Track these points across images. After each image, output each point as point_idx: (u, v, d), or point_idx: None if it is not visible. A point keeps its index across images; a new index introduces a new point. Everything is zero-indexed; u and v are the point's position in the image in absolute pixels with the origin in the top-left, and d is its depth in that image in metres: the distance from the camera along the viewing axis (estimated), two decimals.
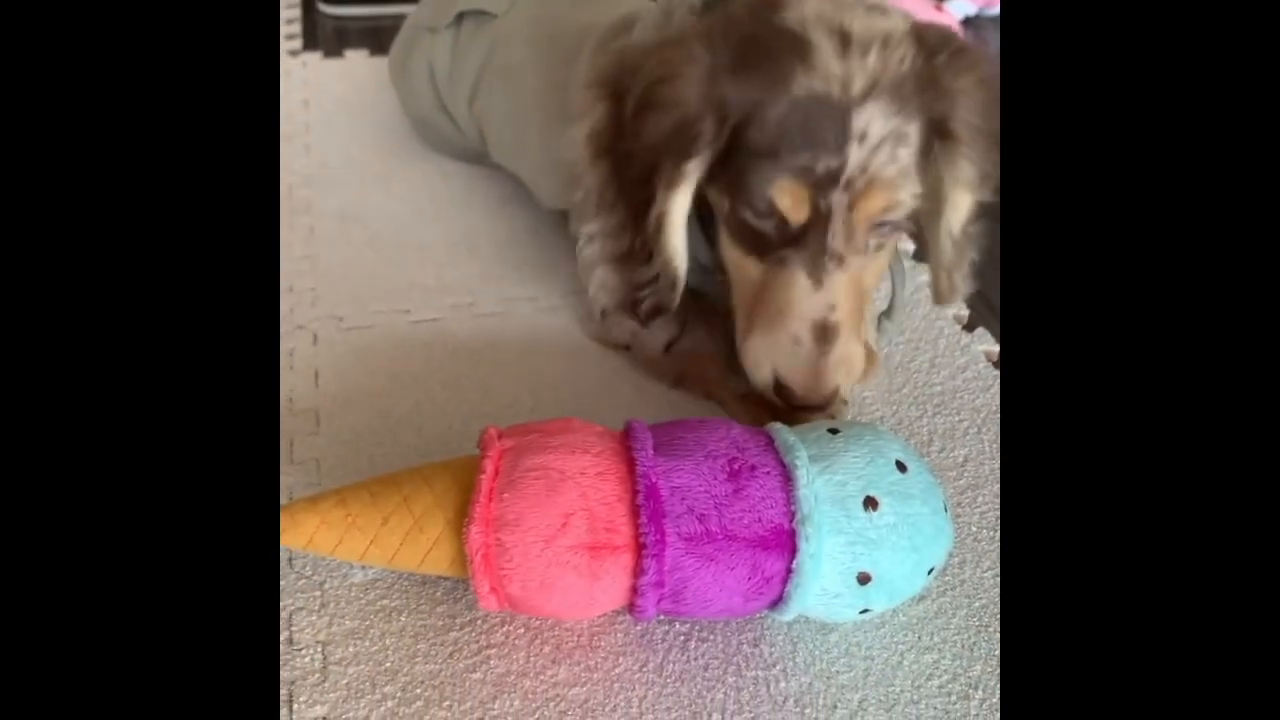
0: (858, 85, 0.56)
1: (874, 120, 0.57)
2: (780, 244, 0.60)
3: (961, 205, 0.63)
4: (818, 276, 0.59)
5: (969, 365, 0.77)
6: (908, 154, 0.58)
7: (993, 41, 1.34)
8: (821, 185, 0.57)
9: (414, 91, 0.99)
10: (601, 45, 0.77)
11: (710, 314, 0.75)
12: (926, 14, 1.27)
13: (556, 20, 0.84)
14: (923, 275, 0.87)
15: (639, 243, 0.62)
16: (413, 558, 0.56)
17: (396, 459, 0.68)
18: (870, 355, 0.75)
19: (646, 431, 0.57)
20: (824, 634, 0.58)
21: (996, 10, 1.37)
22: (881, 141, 0.57)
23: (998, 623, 0.59)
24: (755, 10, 0.59)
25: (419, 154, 1.02)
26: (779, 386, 0.62)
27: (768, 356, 0.62)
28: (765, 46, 0.58)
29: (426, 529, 0.55)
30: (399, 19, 1.05)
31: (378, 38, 1.22)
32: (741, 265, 0.63)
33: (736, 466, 0.55)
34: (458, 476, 0.56)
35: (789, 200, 0.58)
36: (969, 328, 0.81)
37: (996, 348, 0.79)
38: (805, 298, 0.60)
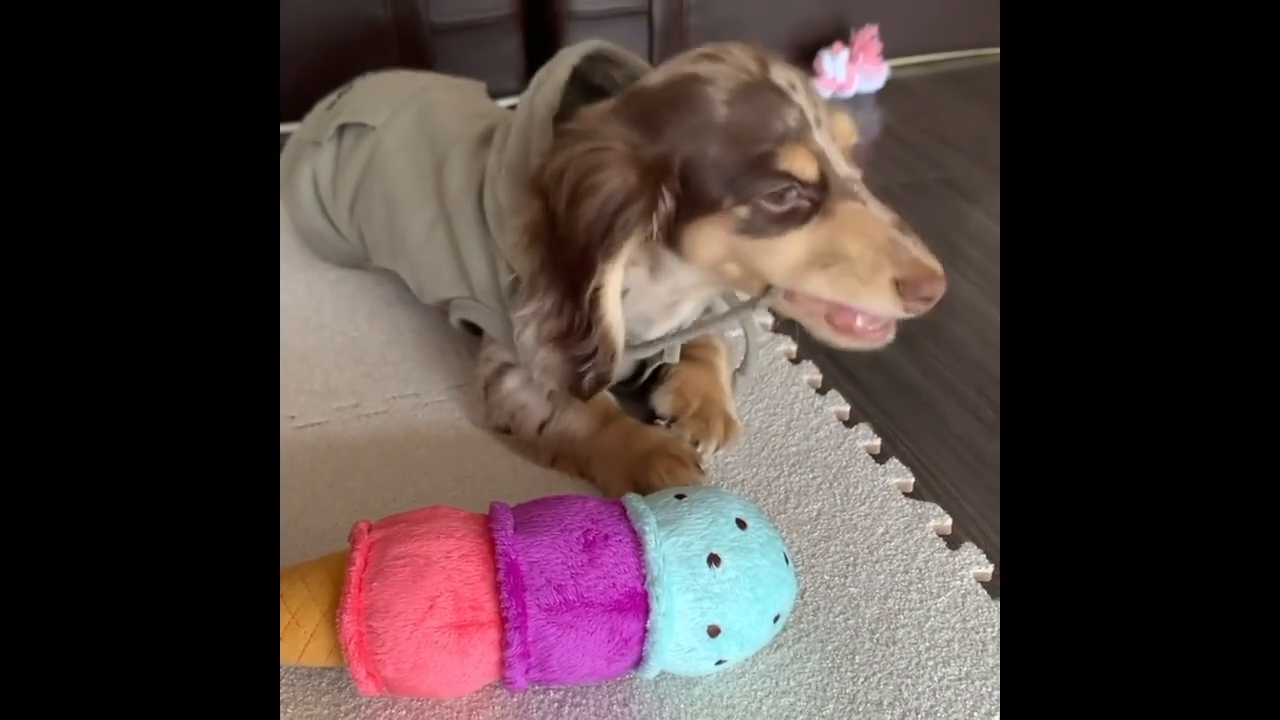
0: (752, 65, 0.66)
1: (781, 74, 0.66)
2: (814, 205, 0.65)
3: None
4: (860, 197, 0.65)
5: (821, 426, 0.83)
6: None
7: None
8: (804, 135, 0.65)
9: (299, 203, 1.04)
10: (471, 155, 0.84)
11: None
12: None
13: (429, 131, 0.91)
14: (780, 345, 0.93)
15: (578, 319, 0.67)
16: (293, 651, 0.59)
17: (284, 559, 0.70)
18: (730, 423, 0.81)
19: (508, 512, 0.62)
20: (688, 688, 0.63)
21: (849, 93, 1.48)
22: (795, 85, 0.66)
23: (849, 663, 0.64)
24: (627, 97, 0.68)
25: (305, 265, 1.06)
26: (906, 291, 0.63)
27: (885, 271, 0.63)
28: (661, 102, 0.66)
29: (303, 623, 0.59)
30: (285, 136, 1.10)
31: None
32: (786, 250, 0.65)
33: (591, 537, 0.60)
34: (331, 570, 0.60)
35: (798, 161, 0.64)
36: (821, 391, 0.87)
37: (847, 407, 0.86)
38: (869, 211, 0.65)
